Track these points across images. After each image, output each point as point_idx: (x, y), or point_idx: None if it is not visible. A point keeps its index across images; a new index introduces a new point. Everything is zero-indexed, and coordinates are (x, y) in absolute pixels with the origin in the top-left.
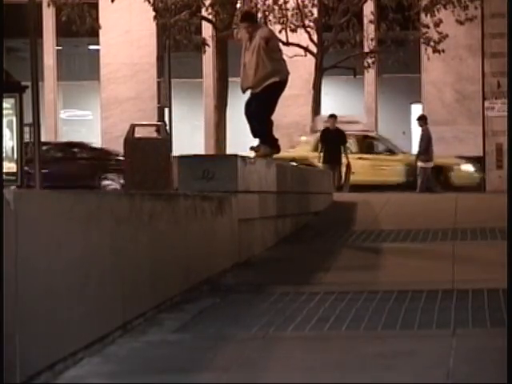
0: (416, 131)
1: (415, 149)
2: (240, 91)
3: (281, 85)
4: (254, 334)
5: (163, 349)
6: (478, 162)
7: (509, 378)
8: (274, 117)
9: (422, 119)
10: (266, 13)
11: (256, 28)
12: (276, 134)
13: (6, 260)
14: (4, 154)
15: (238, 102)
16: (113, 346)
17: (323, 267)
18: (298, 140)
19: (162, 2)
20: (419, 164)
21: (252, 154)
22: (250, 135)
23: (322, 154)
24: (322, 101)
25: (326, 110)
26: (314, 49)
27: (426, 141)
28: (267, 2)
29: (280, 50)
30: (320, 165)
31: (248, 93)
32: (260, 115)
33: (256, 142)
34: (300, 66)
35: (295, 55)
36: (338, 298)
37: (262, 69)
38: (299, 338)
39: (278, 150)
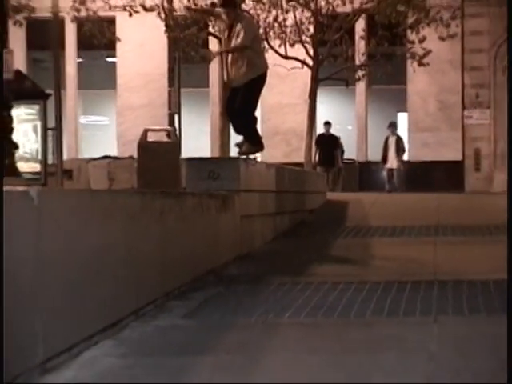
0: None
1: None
2: None
3: (262, 78)
4: (253, 320)
5: (172, 333)
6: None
7: (509, 379)
8: (274, 123)
9: (394, 125)
10: (267, 29)
11: (237, 16)
12: (275, 138)
13: (28, 250)
14: (29, 156)
15: None
16: (126, 330)
17: (317, 260)
18: None
19: (172, 19)
20: (401, 167)
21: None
22: None
23: (317, 157)
24: (318, 109)
25: (320, 117)
26: (310, 62)
27: (404, 145)
28: (268, 20)
29: (260, 42)
30: None
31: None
32: (244, 111)
33: (240, 137)
34: (297, 78)
35: (293, 67)
36: (330, 287)
37: (245, 62)
38: (295, 324)
39: (261, 147)
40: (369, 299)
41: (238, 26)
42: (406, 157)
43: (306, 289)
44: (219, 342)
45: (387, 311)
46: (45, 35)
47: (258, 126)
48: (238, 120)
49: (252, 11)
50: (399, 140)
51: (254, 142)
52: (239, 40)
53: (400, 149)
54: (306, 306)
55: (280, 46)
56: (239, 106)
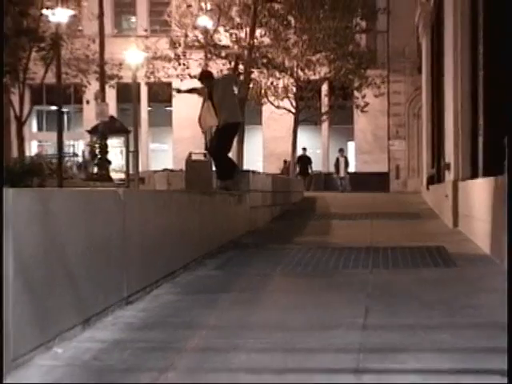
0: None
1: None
2: (251, 135)
3: (234, 126)
4: (257, 271)
5: (206, 279)
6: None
7: (509, 378)
8: (271, 149)
9: (342, 150)
10: (266, 90)
11: (213, 84)
12: (271, 158)
13: (117, 227)
14: (118, 168)
15: (249, 140)
16: (178, 278)
17: (297, 233)
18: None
19: None
20: (347, 176)
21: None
22: (256, 159)
23: (298, 170)
24: (298, 140)
25: (300, 144)
26: (293, 110)
27: (348, 162)
28: (267, 84)
29: (234, 96)
30: None
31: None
32: (216, 151)
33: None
34: (285, 120)
35: (283, 113)
36: (306, 251)
37: (222, 112)
38: (283, 274)
39: (232, 177)
40: (329, 259)
41: (215, 92)
42: (352, 170)
43: (290, 252)
44: (236, 285)
45: (341, 266)
46: (128, 93)
47: (261, 152)
48: (213, 159)
49: (257, 78)
50: (346, 159)
51: (222, 177)
52: (216, 101)
53: (347, 165)
54: (290, 262)
55: (274, 100)
56: (213, 149)
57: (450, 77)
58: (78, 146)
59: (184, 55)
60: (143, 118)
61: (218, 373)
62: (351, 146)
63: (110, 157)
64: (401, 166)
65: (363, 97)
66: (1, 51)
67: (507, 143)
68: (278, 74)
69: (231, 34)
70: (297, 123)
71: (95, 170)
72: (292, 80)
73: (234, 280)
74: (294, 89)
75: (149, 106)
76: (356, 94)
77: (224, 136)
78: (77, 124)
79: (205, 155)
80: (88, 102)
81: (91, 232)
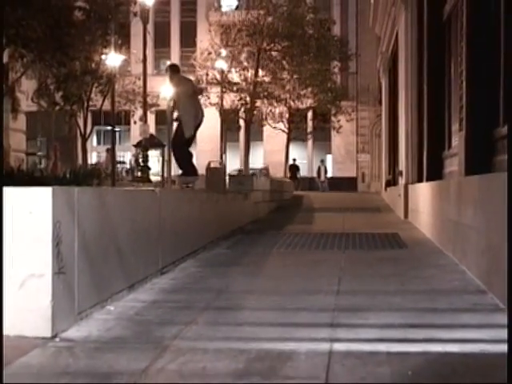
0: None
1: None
2: (254, 148)
3: (198, 126)
4: (259, 251)
5: (220, 256)
6: (352, 179)
7: (509, 379)
8: (270, 159)
9: (323, 161)
10: (267, 115)
11: (177, 78)
12: (269, 166)
13: (155, 216)
14: (156, 172)
15: (254, 153)
16: (199, 255)
17: (289, 222)
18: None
19: (223, 110)
20: (326, 180)
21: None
22: (258, 166)
23: (289, 175)
24: (290, 153)
25: (291, 156)
26: (286, 130)
27: (327, 170)
28: (267, 111)
29: (196, 97)
30: None
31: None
32: (175, 144)
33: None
34: (280, 137)
35: (278, 133)
36: (294, 235)
37: (184, 108)
38: (278, 253)
39: (194, 175)
40: (312, 241)
41: (179, 88)
42: (329, 175)
43: (283, 236)
44: (242, 260)
45: (321, 247)
46: (163, 117)
47: (262, 161)
48: (173, 153)
49: (260, 107)
50: (325, 168)
51: (186, 173)
52: (180, 99)
53: (325, 171)
54: (283, 244)
55: (272, 123)
56: (173, 140)
57: (402, 107)
58: (126, 156)
59: (206, 89)
60: None
61: (228, 326)
62: (329, 158)
63: (149, 164)
64: (365, 172)
65: (338, 121)
66: (1, 54)
67: (508, 140)
68: (275, 104)
69: (240, 74)
70: (289, 140)
71: (139, 174)
72: (285, 108)
73: (241, 257)
74: (287, 115)
75: None
76: (333, 119)
77: (181, 135)
78: (125, 140)
79: (220, 163)
80: (135, 123)
81: (135, 219)
